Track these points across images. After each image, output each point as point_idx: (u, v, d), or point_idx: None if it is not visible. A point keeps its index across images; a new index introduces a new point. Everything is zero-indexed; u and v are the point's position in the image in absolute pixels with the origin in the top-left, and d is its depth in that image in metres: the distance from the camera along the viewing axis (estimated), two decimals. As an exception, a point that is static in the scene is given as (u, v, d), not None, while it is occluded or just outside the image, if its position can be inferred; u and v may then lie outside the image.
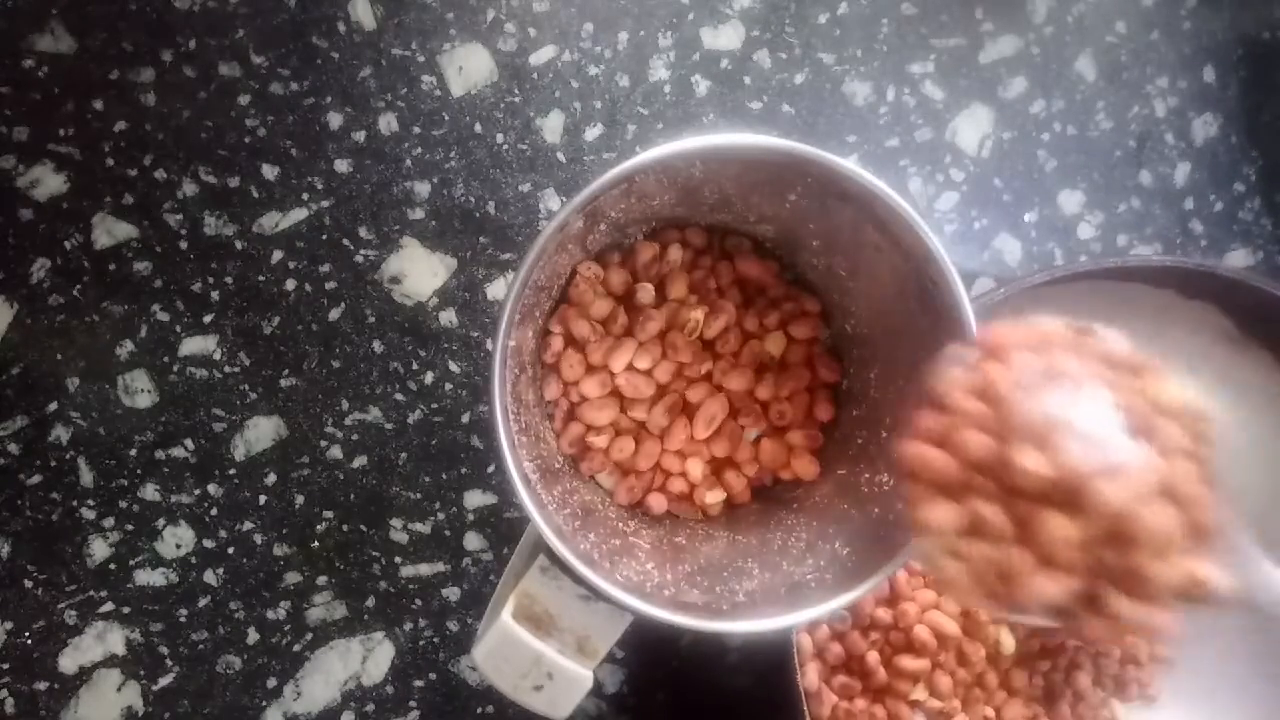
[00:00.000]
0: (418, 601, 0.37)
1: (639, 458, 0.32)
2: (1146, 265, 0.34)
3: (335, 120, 0.38)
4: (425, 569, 0.37)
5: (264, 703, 0.37)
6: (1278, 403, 0.36)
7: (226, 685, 0.37)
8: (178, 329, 0.37)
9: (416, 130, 0.38)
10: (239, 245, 0.37)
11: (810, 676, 0.34)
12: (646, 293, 0.32)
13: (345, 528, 0.37)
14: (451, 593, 0.38)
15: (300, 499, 0.37)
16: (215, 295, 0.37)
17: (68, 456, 0.36)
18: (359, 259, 0.38)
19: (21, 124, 0.36)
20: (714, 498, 0.32)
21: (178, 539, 0.37)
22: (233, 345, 0.37)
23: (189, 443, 0.37)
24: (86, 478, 0.36)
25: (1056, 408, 0.21)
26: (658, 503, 0.32)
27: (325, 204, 0.38)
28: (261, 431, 0.37)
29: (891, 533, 0.27)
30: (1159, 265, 0.34)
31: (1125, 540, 0.20)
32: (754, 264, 0.33)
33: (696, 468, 0.32)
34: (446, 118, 0.38)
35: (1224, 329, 0.36)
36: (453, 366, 0.38)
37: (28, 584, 0.36)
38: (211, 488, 0.37)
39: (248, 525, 0.37)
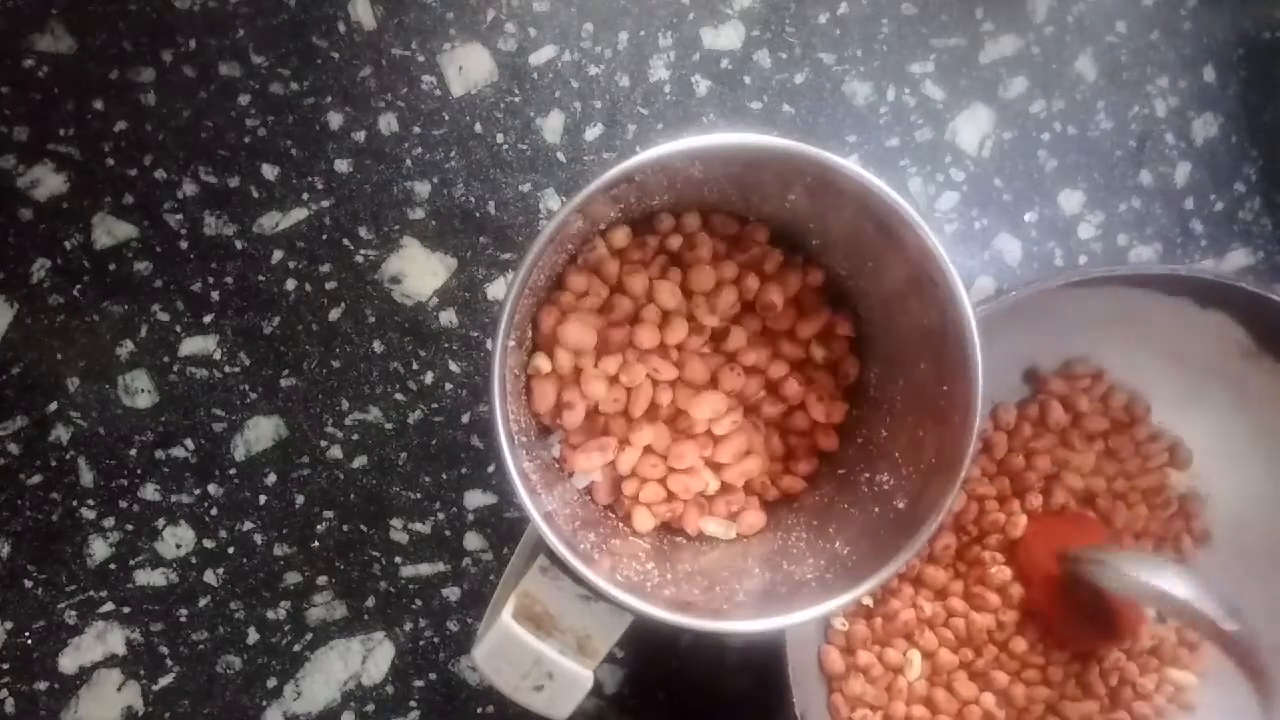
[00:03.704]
0: (418, 601, 0.37)
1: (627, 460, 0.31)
2: (1162, 275, 0.33)
3: (335, 120, 0.38)
4: (425, 569, 0.37)
5: (264, 703, 0.37)
6: None
7: (226, 685, 0.37)
8: (178, 329, 0.37)
9: (416, 130, 0.38)
10: (239, 245, 0.37)
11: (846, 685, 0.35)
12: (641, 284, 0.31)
13: (345, 528, 0.37)
14: (451, 593, 0.38)
15: (300, 499, 0.37)
16: (215, 295, 0.37)
17: (68, 456, 0.36)
18: (359, 259, 0.38)
19: (21, 124, 0.36)
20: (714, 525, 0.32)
21: (178, 539, 0.37)
22: (233, 345, 0.37)
23: (189, 443, 0.37)
24: (86, 478, 0.36)
25: None
26: (647, 517, 0.31)
27: (325, 204, 0.38)
28: (261, 431, 0.37)
29: (892, 532, 0.27)
30: (1173, 276, 0.33)
31: None
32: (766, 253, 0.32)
33: (695, 477, 0.31)
34: (446, 118, 0.38)
35: (1239, 341, 0.35)
36: (453, 366, 0.38)
37: (28, 584, 0.36)
38: (211, 488, 0.37)
39: (248, 525, 0.37)
